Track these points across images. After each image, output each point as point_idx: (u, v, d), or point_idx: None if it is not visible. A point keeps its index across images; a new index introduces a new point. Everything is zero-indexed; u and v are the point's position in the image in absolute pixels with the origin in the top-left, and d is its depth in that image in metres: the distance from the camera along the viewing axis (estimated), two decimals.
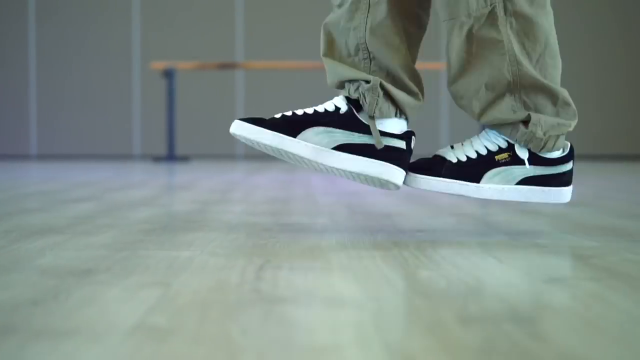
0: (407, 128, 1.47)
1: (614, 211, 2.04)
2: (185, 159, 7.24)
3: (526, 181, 1.44)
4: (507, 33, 1.41)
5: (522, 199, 1.44)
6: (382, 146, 1.40)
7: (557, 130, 1.43)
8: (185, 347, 0.69)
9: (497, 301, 0.88)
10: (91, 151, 8.41)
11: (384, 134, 1.42)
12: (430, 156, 1.48)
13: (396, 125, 1.44)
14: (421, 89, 1.48)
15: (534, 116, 1.42)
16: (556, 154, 1.45)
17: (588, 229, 1.61)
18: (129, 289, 0.95)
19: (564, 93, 1.44)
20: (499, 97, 1.43)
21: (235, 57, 8.35)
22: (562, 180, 1.46)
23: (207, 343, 0.70)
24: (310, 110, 1.44)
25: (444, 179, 1.43)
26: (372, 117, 1.42)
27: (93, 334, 0.73)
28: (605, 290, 0.94)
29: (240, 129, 1.43)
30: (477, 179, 1.43)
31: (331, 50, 1.49)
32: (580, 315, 0.81)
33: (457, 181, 1.43)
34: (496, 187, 1.43)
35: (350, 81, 1.45)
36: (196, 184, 3.40)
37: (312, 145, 1.41)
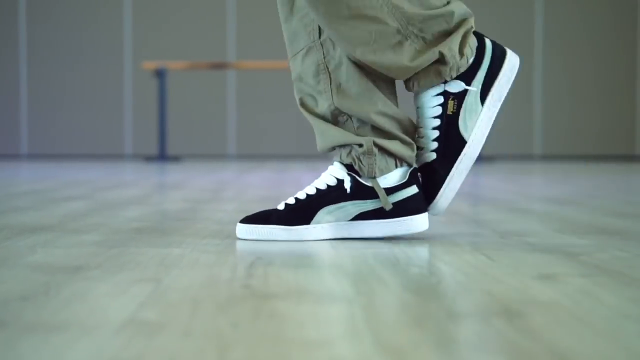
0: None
1: (606, 210, 2.05)
2: (176, 158, 7.23)
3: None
4: None
5: (498, 106, 1.40)
6: (390, 207, 1.36)
7: (466, 41, 1.36)
8: (175, 342, 0.69)
9: (486, 297, 0.88)
10: (82, 151, 8.40)
11: (392, 190, 1.37)
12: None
13: (399, 175, 1.39)
14: (413, 137, 1.42)
15: (444, 49, 1.34)
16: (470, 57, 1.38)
17: (578, 227, 1.62)
18: (119, 285, 0.95)
19: (453, 7, 1.36)
20: (399, 47, 1.35)
21: (226, 57, 8.35)
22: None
23: (197, 337, 0.70)
24: (312, 191, 1.38)
25: (450, 177, 1.38)
26: (373, 178, 1.37)
27: (83, 329, 0.73)
28: (594, 286, 0.95)
29: (249, 233, 1.37)
30: (462, 141, 1.37)
31: (308, 109, 1.43)
32: (569, 310, 0.81)
33: (455, 162, 1.37)
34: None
35: (342, 146, 1.40)
36: (187, 183, 3.40)
37: (329, 225, 1.37)
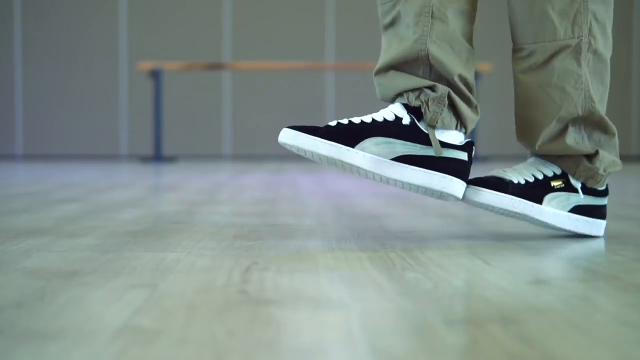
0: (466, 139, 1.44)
1: None
2: (172, 159, 7.22)
3: (577, 209, 1.47)
4: (585, 68, 1.43)
5: (571, 228, 1.46)
6: (441, 154, 1.36)
7: (612, 168, 1.47)
8: (171, 349, 0.69)
9: (482, 303, 0.88)
10: (78, 151, 8.38)
11: (445, 144, 1.38)
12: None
13: (456, 137, 1.41)
14: (477, 101, 1.47)
15: (601, 152, 1.45)
16: (603, 185, 1.50)
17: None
18: (115, 290, 0.95)
19: (614, 133, 1.48)
20: (564, 129, 1.45)
21: (222, 57, 8.33)
22: (603, 212, 1.50)
23: (193, 345, 0.70)
24: (367, 119, 1.37)
25: (510, 196, 1.41)
26: (432, 126, 1.38)
27: (79, 336, 0.73)
28: (591, 291, 0.95)
29: (291, 138, 1.34)
30: (539, 201, 1.43)
31: (387, 69, 1.44)
32: (565, 316, 0.81)
33: (523, 200, 1.42)
34: (554, 211, 1.45)
35: (412, 90, 1.40)
36: (183, 184, 3.39)
37: (371, 156, 1.34)
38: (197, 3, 8.34)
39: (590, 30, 1.42)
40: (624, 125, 8.70)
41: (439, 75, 1.41)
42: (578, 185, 1.47)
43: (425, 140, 1.37)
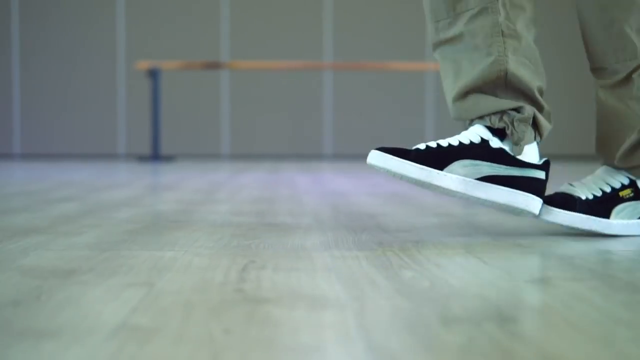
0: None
1: None
2: (170, 158, 7.22)
3: None
4: None
5: (628, 233, 1.50)
6: (524, 172, 1.42)
7: None
8: (168, 347, 0.69)
9: (479, 301, 0.88)
10: (75, 150, 8.37)
11: (527, 165, 1.43)
12: (553, 192, 1.52)
13: (533, 150, 1.46)
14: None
15: None
16: None
17: (569, 229, 1.62)
18: (112, 289, 0.95)
19: None
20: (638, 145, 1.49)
21: (220, 56, 8.33)
22: None
23: (190, 343, 0.70)
24: (455, 142, 1.42)
25: (580, 215, 1.47)
26: (517, 145, 1.43)
27: (76, 335, 0.73)
28: (587, 290, 0.95)
29: (382, 161, 1.38)
30: (607, 215, 1.49)
31: (466, 92, 1.46)
32: (561, 315, 0.82)
33: (592, 217, 1.47)
34: (623, 222, 1.50)
35: (493, 113, 1.44)
36: (181, 184, 3.39)
37: (458, 177, 1.40)
38: (195, 2, 8.34)
39: None
40: None
41: (517, 91, 1.45)
42: None
43: (510, 161, 1.42)
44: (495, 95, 1.45)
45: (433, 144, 1.41)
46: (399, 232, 1.56)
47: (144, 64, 6.86)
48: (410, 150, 1.40)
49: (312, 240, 1.43)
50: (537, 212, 1.44)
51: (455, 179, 1.39)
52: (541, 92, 1.47)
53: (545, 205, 1.47)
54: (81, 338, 0.72)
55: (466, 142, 1.42)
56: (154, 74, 6.80)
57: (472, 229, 1.64)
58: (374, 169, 1.39)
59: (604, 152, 1.55)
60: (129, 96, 8.40)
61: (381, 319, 0.80)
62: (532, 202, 1.43)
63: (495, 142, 1.42)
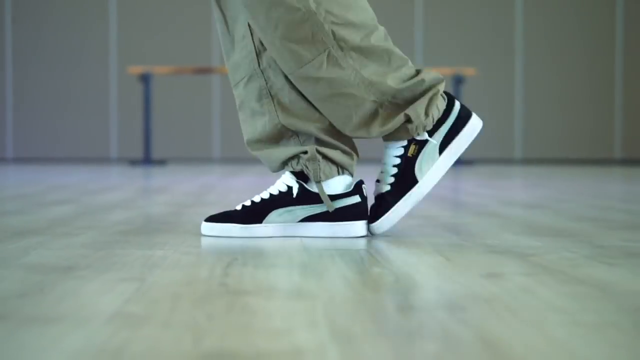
0: (354, 180, 1.61)
1: (567, 214, 2.17)
2: (161, 162, 7.31)
3: (445, 144, 1.58)
4: (351, 65, 1.54)
5: (454, 159, 1.60)
6: (333, 209, 1.56)
7: (432, 103, 1.56)
8: (157, 331, 0.79)
9: (436, 293, 0.99)
10: (68, 154, 8.46)
11: (336, 197, 1.57)
12: (374, 200, 1.62)
13: (342, 182, 1.60)
14: (353, 147, 1.63)
15: (411, 112, 1.55)
16: (440, 112, 1.58)
17: (537, 230, 1.73)
18: (107, 283, 1.06)
19: (417, 78, 1.56)
20: (374, 115, 1.56)
21: (211, 61, 8.43)
22: (464, 116, 1.60)
23: (177, 328, 0.80)
24: (266, 195, 1.59)
25: (396, 206, 1.57)
26: (318, 182, 1.57)
27: (76, 321, 0.83)
28: (535, 284, 1.06)
29: (210, 230, 1.59)
30: (414, 180, 1.57)
31: (257, 142, 1.64)
32: (505, 304, 0.92)
33: (405, 195, 1.57)
34: (432, 170, 1.57)
35: (290, 158, 1.60)
36: (171, 187, 3.49)
37: (278, 225, 1.58)
38: (186, 8, 8.44)
39: (334, 36, 1.53)
40: (607, 130, 8.84)
41: (308, 136, 1.60)
42: (425, 136, 1.57)
43: (318, 199, 1.57)
44: (287, 145, 1.62)
45: (248, 203, 1.60)
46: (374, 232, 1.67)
47: (136, 69, 6.96)
48: (233, 212, 1.60)
49: (292, 240, 1.54)
50: (363, 233, 1.57)
51: (275, 227, 1.58)
52: (328, 132, 1.59)
53: (373, 224, 1.57)
54: (81, 324, 0.82)
55: (276, 192, 1.59)
56: (145, 79, 6.90)
57: (445, 229, 1.74)
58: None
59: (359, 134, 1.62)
60: (120, 100, 8.49)
61: (346, 308, 0.91)
62: (352, 228, 1.57)
63: (297, 189, 1.57)
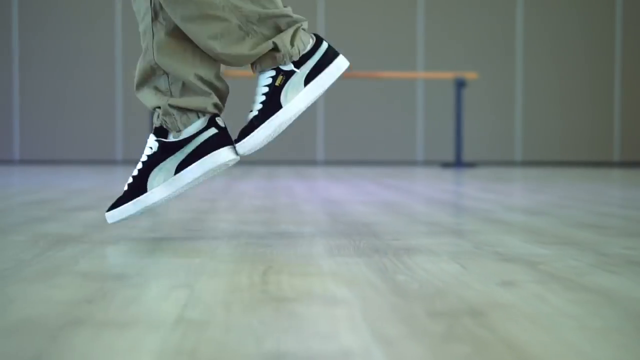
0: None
1: (570, 220, 2.29)
2: None
3: (310, 77, 1.71)
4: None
5: (321, 89, 1.72)
6: (179, 138, 1.68)
7: (296, 35, 1.70)
8: (221, 335, 0.91)
9: (458, 300, 1.11)
10: (74, 157, 8.56)
11: (193, 137, 1.68)
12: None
13: (199, 123, 1.70)
14: (221, 87, 1.73)
15: (277, 40, 1.68)
16: (307, 47, 1.73)
17: (542, 238, 1.85)
18: (161, 290, 1.17)
19: (280, 10, 1.70)
20: (241, 39, 1.68)
21: None
22: (330, 55, 1.74)
23: (236, 332, 0.92)
24: (139, 165, 1.72)
25: (260, 127, 1.69)
26: (179, 131, 1.69)
27: (148, 325, 0.95)
28: (546, 291, 1.18)
29: (112, 217, 1.73)
30: (278, 106, 1.70)
31: (139, 83, 1.75)
32: (522, 310, 1.04)
33: (268, 119, 1.69)
34: (297, 97, 1.69)
35: (154, 109, 1.72)
36: (184, 191, 3.60)
37: (160, 187, 1.70)
38: None
39: None
40: (607, 133, 8.95)
41: (177, 80, 1.70)
42: (291, 67, 1.70)
43: (178, 145, 1.69)
44: (158, 90, 1.73)
45: (130, 179, 1.72)
46: (392, 240, 1.79)
47: None
48: (123, 193, 1.72)
49: (317, 248, 1.66)
50: (231, 157, 1.69)
51: (160, 189, 1.69)
52: (202, 80, 1.69)
53: (237, 144, 1.69)
54: (153, 327, 0.94)
55: (144, 158, 1.71)
56: None
57: (457, 237, 1.86)
58: (118, 223, 1.83)
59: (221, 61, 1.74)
60: (126, 103, 8.60)
61: (380, 313, 1.02)
62: (219, 157, 1.68)
63: (156, 146, 1.69)
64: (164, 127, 1.71)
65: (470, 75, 7.36)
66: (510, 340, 0.88)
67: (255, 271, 1.35)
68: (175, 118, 1.69)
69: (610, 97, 8.92)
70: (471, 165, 7.73)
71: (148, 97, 1.73)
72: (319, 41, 1.75)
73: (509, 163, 8.76)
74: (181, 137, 1.69)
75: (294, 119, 1.71)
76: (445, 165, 7.79)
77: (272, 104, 1.70)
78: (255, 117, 1.70)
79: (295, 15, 1.72)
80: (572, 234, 1.94)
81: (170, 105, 1.69)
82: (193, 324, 0.95)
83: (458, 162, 7.47)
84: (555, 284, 1.23)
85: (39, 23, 8.52)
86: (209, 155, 1.69)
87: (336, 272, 1.34)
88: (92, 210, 2.55)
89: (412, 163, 8.70)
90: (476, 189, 3.99)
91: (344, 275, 1.31)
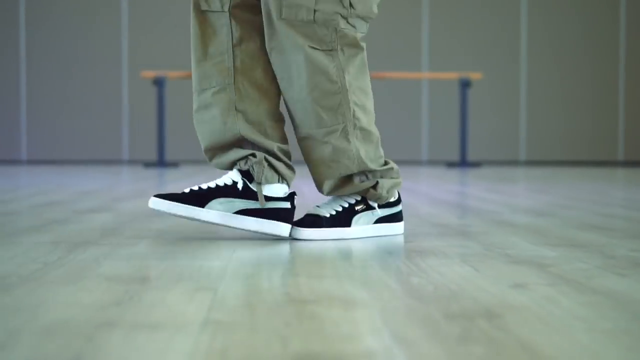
0: (289, 190, 1.89)
1: (575, 222, 2.33)
2: (174, 164, 7.47)
3: (379, 220, 1.95)
4: (355, 142, 1.87)
5: (379, 234, 1.95)
6: (264, 205, 1.82)
7: (394, 188, 1.96)
8: (248, 337, 0.95)
9: (472, 302, 1.15)
10: (80, 157, 8.62)
11: (271, 198, 1.84)
12: (309, 213, 1.90)
13: (280, 189, 1.87)
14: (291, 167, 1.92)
15: (380, 181, 1.92)
16: (392, 199, 1.98)
17: (550, 240, 1.89)
18: (185, 293, 1.21)
19: (389, 165, 1.95)
20: (349, 179, 1.90)
21: None
22: (399, 217, 2.00)
23: (263, 333, 0.96)
24: (213, 185, 1.85)
25: (325, 229, 1.87)
26: (259, 184, 1.84)
27: (176, 327, 0.99)
28: (557, 293, 1.22)
29: (157, 204, 1.83)
30: (348, 224, 1.90)
31: (212, 150, 1.90)
32: (534, 312, 1.08)
33: (336, 228, 1.88)
34: (362, 228, 1.92)
35: (239, 159, 1.87)
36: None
37: (217, 212, 1.83)
38: None
39: (353, 114, 1.86)
40: (611, 132, 8.99)
41: (250, 145, 1.87)
42: (375, 205, 1.93)
43: (256, 196, 1.84)
44: (235, 148, 1.88)
45: (196, 187, 1.85)
46: (404, 243, 1.83)
47: (149, 74, 7.12)
48: (181, 194, 1.83)
49: (330, 251, 1.70)
50: (286, 234, 1.84)
51: (215, 213, 1.83)
52: (284, 152, 1.89)
53: (295, 228, 1.85)
54: (182, 329, 0.98)
55: (221, 184, 1.85)
56: (159, 83, 7.06)
57: (467, 239, 1.90)
58: (155, 212, 1.91)
59: (320, 188, 1.94)
60: (132, 104, 8.65)
61: (399, 315, 1.07)
62: (278, 228, 1.84)
63: (241, 184, 1.84)
64: (250, 172, 1.85)
65: (474, 76, 7.40)
66: (524, 342, 0.92)
67: (274, 274, 1.39)
68: (263, 170, 1.84)
69: (614, 96, 8.96)
70: (476, 165, 7.77)
71: (232, 155, 1.88)
72: (399, 200, 2.00)
73: (514, 163, 8.80)
74: (266, 193, 1.84)
75: (346, 239, 1.87)
76: (450, 165, 7.84)
77: (343, 218, 1.90)
78: (325, 218, 1.88)
79: (396, 168, 1.97)
80: (578, 236, 1.98)
81: (266, 159, 1.86)
82: (220, 326, 1.00)
83: (463, 162, 7.51)
84: (565, 287, 1.27)
85: (45, 24, 8.57)
86: (272, 222, 1.83)
87: (352, 275, 1.39)
88: (106, 212, 2.60)
89: (417, 163, 8.75)
90: (481, 190, 4.03)
91: (360, 278, 1.35)
